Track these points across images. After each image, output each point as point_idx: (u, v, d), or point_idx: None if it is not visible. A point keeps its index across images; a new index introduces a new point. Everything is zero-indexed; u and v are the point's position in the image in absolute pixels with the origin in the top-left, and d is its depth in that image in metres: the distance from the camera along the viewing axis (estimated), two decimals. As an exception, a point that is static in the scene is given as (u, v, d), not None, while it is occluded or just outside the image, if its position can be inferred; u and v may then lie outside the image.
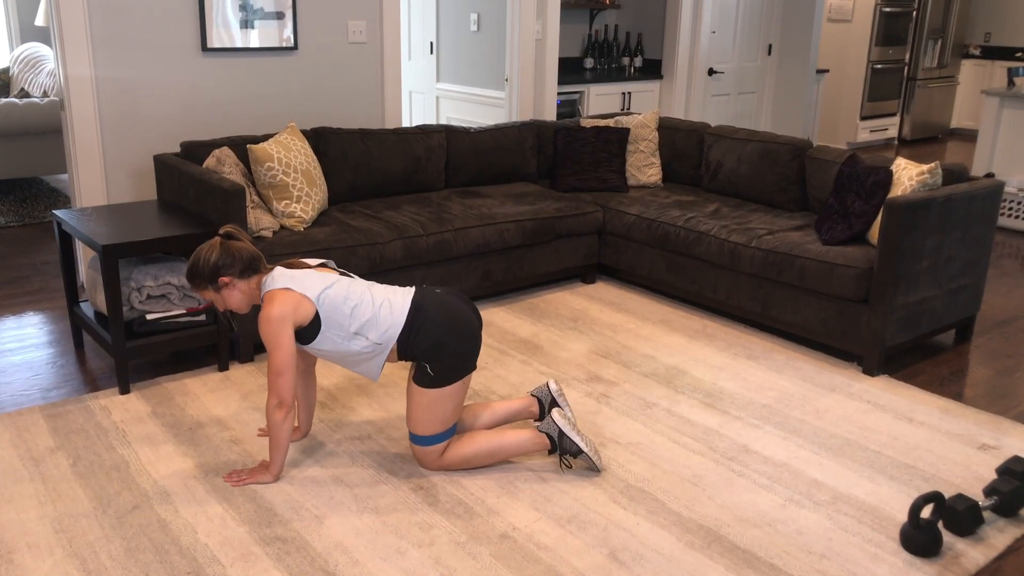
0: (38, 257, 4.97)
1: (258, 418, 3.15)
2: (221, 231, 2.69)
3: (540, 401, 2.95)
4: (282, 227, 3.81)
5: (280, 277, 2.62)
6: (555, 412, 2.79)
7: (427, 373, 2.65)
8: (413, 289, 2.74)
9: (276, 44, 4.58)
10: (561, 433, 2.77)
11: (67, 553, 2.38)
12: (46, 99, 6.17)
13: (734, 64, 7.31)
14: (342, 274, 2.74)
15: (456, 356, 2.64)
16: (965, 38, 10.15)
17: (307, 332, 2.61)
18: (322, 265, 2.77)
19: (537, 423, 2.86)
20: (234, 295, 2.66)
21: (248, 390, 3.35)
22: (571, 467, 2.83)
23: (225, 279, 2.62)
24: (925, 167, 3.65)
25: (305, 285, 2.60)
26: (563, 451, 2.79)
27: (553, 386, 2.93)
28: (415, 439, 2.75)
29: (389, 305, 2.66)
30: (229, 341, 3.55)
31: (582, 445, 2.77)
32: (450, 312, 2.67)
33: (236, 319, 2.84)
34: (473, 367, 2.71)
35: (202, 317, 3.48)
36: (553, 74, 5.90)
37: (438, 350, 2.62)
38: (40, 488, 2.68)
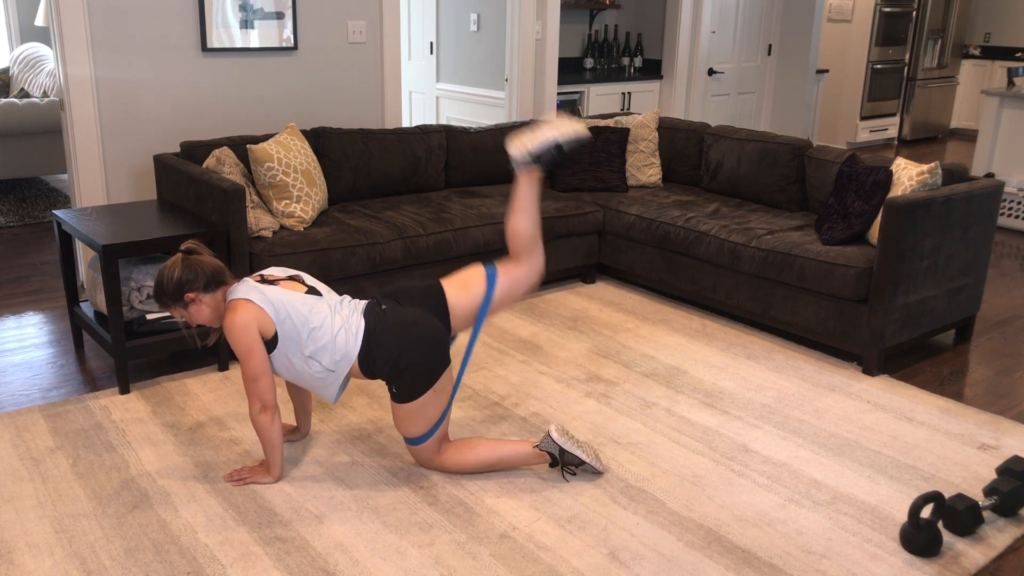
0: (38, 257, 4.97)
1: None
2: (182, 247, 2.66)
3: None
4: (282, 227, 3.81)
5: (243, 287, 2.61)
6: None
7: (394, 391, 2.64)
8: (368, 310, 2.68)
9: (276, 44, 4.58)
10: (562, 450, 2.76)
11: (67, 553, 2.38)
12: (46, 99, 6.17)
13: (734, 64, 7.31)
14: (309, 289, 2.70)
15: (417, 372, 2.59)
16: (965, 38, 10.14)
17: (265, 346, 2.60)
18: (292, 278, 2.73)
19: (536, 444, 2.80)
20: (202, 310, 2.64)
21: (248, 390, 3.35)
22: (575, 474, 2.83)
23: (190, 295, 2.61)
24: (925, 167, 3.65)
25: (268, 298, 2.58)
26: (565, 464, 2.79)
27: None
28: (406, 440, 2.76)
29: (346, 331, 2.62)
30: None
31: (584, 457, 2.76)
32: (403, 328, 2.61)
33: (215, 335, 2.81)
34: (442, 371, 2.64)
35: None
36: (553, 74, 5.90)
37: (397, 371, 2.60)
38: (40, 488, 2.68)
